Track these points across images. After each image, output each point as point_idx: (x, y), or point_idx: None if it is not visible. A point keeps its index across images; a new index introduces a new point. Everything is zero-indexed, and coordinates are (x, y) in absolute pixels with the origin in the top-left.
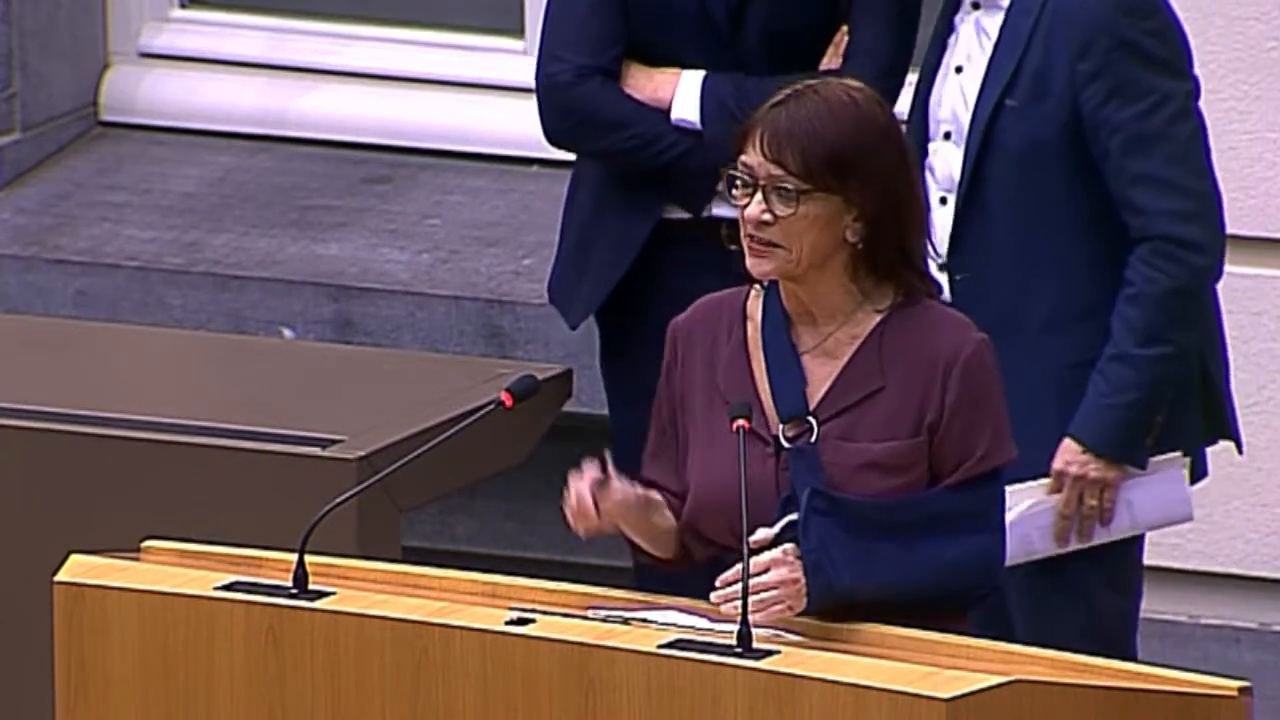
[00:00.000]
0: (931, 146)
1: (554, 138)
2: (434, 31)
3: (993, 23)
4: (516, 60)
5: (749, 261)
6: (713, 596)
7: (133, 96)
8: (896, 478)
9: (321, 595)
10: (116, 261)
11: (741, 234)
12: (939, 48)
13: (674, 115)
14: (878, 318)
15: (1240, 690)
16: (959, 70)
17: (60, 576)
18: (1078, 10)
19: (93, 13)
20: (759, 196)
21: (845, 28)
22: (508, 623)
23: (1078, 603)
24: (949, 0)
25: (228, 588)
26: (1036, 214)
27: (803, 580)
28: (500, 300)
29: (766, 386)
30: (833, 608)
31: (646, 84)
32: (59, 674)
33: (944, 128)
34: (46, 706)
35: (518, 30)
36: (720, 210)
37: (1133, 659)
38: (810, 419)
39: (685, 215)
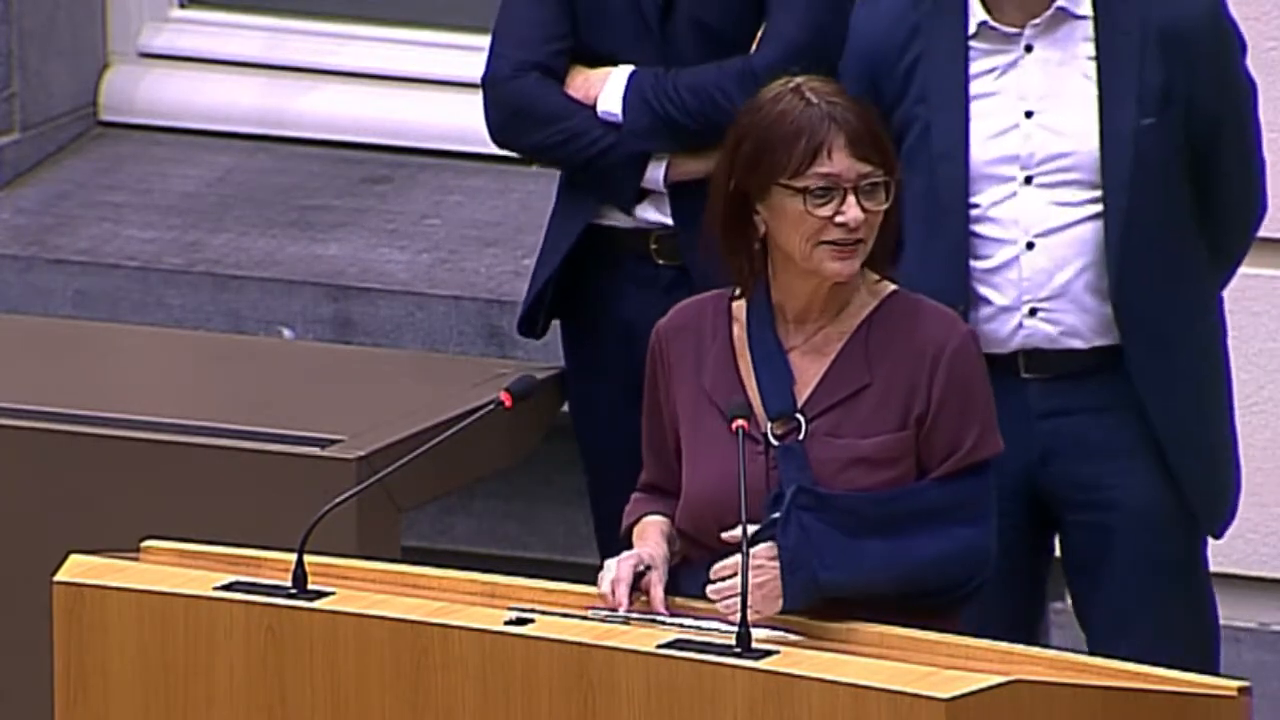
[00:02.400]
0: (987, 196)
1: (493, 133)
2: (434, 31)
3: (1067, 55)
4: None
5: (836, 266)
6: (709, 590)
7: (132, 96)
8: (884, 472)
9: (321, 595)
10: (116, 261)
11: (814, 240)
12: (960, 102)
13: (600, 109)
14: (865, 312)
15: (1240, 690)
16: (1030, 115)
17: (60, 576)
18: (1182, 18)
19: (92, 13)
20: (852, 199)
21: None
22: (507, 623)
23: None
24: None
25: (227, 588)
26: (1174, 218)
27: (774, 582)
28: (499, 300)
29: (754, 385)
30: (821, 603)
31: (583, 83)
32: (59, 674)
33: (1026, 173)
34: (46, 706)
35: None
36: (648, 214)
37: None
38: (798, 416)
39: (620, 225)
